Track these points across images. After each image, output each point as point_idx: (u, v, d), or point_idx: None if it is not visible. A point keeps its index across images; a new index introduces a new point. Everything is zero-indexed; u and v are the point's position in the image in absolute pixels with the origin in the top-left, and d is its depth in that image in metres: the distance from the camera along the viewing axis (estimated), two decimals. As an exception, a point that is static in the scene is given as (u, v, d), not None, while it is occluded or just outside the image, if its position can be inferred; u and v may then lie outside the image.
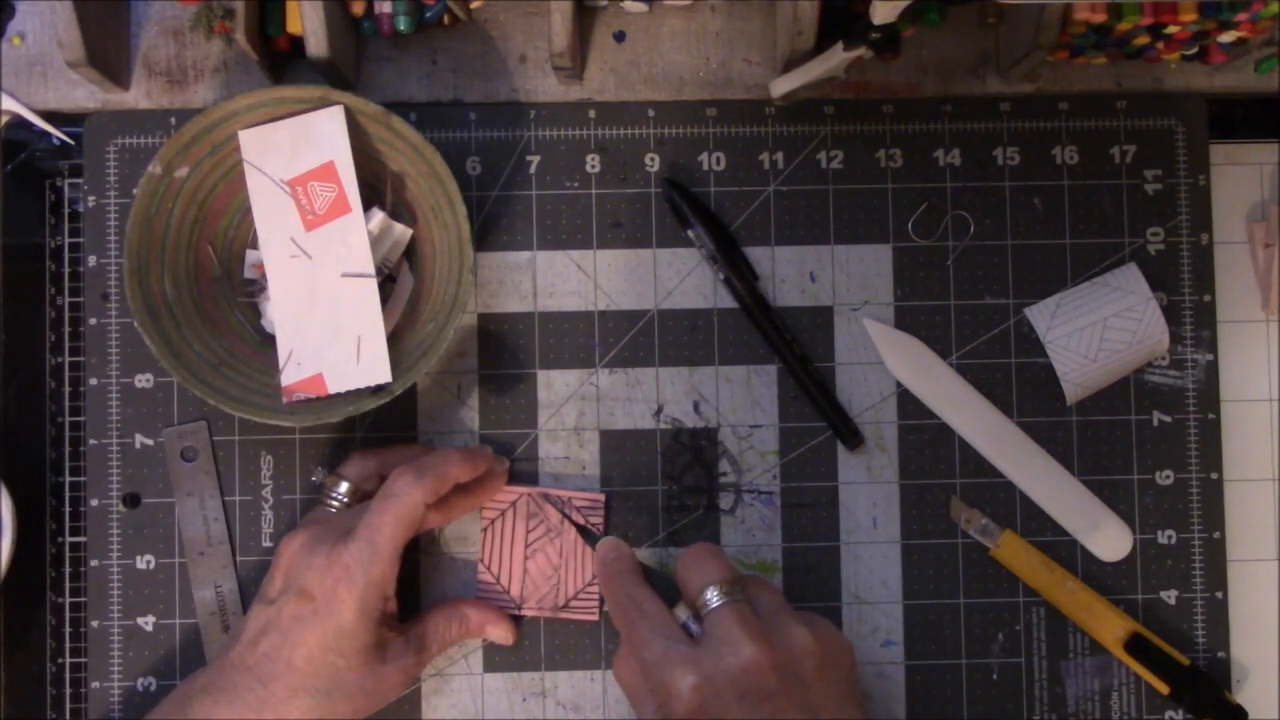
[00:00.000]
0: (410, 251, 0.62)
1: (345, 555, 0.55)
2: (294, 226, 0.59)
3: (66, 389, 0.64)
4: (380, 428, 0.63)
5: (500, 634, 0.61)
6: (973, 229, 0.64)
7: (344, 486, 0.60)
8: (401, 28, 0.61)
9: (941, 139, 0.64)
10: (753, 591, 0.56)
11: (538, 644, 0.62)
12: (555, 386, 0.63)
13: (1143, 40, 0.60)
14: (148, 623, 0.62)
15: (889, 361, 0.63)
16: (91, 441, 0.62)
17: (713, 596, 0.54)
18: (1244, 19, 0.58)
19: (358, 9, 0.61)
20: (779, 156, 0.64)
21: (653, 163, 0.64)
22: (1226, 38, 0.61)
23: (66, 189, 0.64)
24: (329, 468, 0.62)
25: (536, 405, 0.63)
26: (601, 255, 0.64)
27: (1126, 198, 0.64)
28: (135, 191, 0.57)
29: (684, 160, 0.64)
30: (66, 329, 0.64)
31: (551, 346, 0.63)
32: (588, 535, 0.62)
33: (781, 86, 0.59)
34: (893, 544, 0.63)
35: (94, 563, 0.62)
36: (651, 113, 0.64)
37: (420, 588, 0.62)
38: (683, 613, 0.56)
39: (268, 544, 0.62)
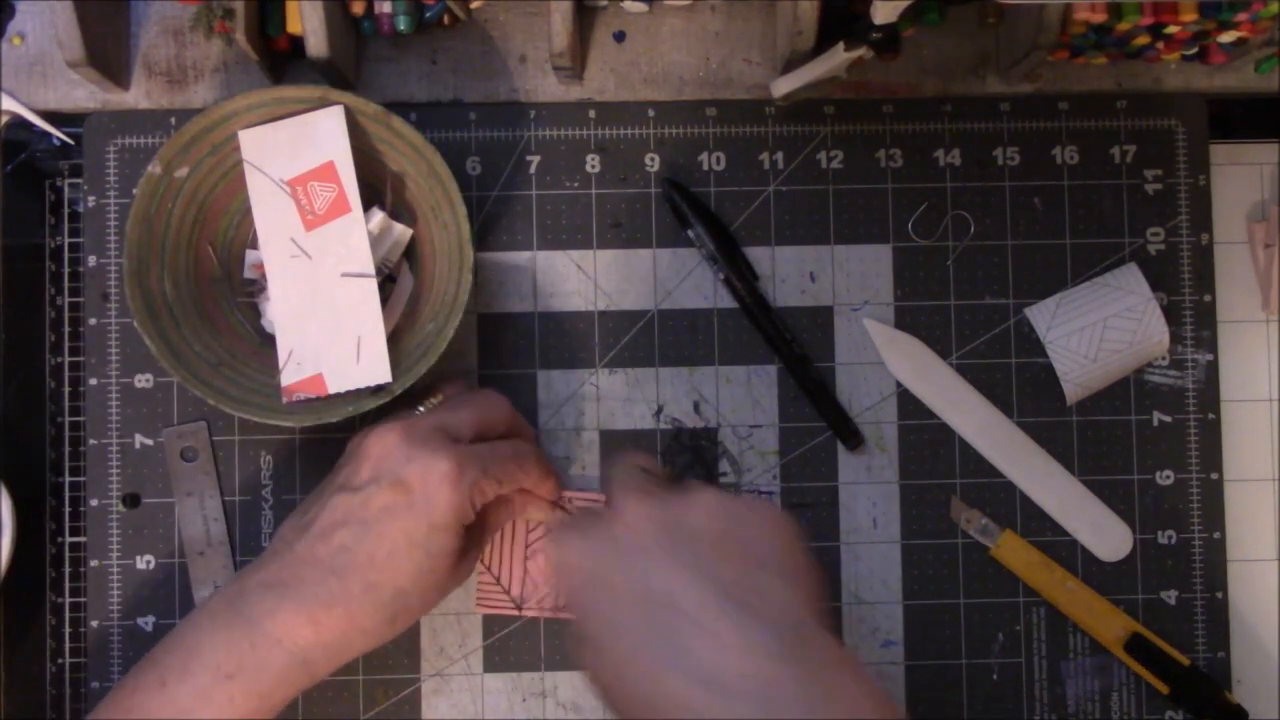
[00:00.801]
0: (410, 251, 0.62)
1: (457, 456, 0.53)
2: (294, 226, 0.59)
3: (66, 389, 0.64)
4: (380, 428, 0.63)
5: (538, 514, 0.60)
6: (973, 229, 0.64)
7: (434, 401, 0.58)
8: (401, 28, 0.61)
9: (941, 139, 0.64)
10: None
11: (538, 644, 0.62)
12: (555, 386, 0.63)
13: (1143, 40, 0.60)
14: (148, 623, 0.62)
15: (889, 361, 0.63)
16: (91, 441, 0.62)
17: (617, 473, 0.53)
18: (1244, 19, 0.58)
19: (358, 9, 0.61)
20: (779, 156, 0.64)
21: (653, 163, 0.64)
22: (1226, 38, 0.61)
23: (66, 189, 0.64)
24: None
25: (536, 405, 0.63)
26: (601, 255, 0.64)
27: (1126, 198, 0.64)
28: (135, 191, 0.57)
29: (684, 160, 0.64)
30: (66, 329, 0.64)
31: (551, 346, 0.63)
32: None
33: (782, 87, 0.59)
34: (893, 544, 0.63)
35: (94, 563, 0.62)
36: (651, 113, 0.64)
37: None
38: None
39: (268, 544, 0.62)
